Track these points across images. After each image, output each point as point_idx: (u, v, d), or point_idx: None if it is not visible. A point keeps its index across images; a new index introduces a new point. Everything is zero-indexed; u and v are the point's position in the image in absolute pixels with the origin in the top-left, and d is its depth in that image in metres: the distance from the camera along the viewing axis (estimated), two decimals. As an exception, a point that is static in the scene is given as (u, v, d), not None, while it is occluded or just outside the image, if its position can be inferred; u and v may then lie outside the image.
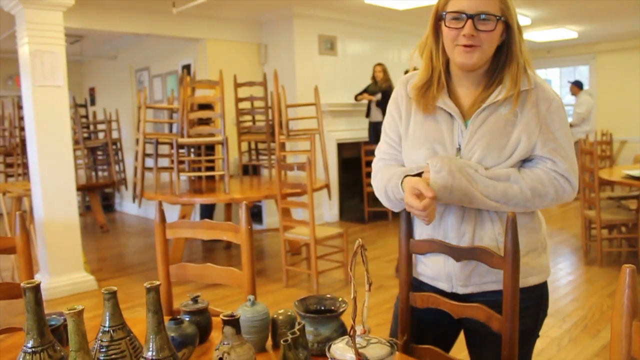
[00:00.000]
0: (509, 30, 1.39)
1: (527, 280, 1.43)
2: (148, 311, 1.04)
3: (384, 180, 1.48)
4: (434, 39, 1.44)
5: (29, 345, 1.04)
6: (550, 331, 3.27)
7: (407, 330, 1.51)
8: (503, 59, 1.41)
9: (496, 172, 1.37)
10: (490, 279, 1.42)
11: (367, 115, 6.73)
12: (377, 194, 1.54)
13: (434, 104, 1.43)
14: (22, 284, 1.02)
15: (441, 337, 1.56)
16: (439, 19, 1.41)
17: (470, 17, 1.33)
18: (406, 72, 6.27)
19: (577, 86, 8.37)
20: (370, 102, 6.63)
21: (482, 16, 1.33)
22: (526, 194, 1.37)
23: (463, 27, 1.34)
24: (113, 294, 1.09)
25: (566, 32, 8.30)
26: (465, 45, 1.35)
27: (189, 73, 6.46)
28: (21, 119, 6.52)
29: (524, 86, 1.39)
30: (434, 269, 1.49)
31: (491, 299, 1.40)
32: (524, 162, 1.43)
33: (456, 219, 1.42)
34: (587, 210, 4.84)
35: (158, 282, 1.04)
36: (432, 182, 1.34)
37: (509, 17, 1.37)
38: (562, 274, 4.49)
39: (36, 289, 1.03)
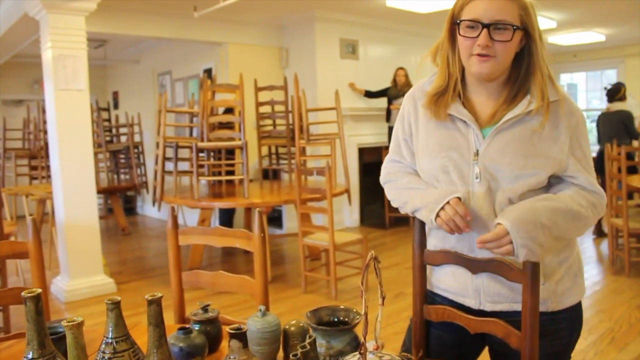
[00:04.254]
0: (529, 38, 1.30)
1: (562, 302, 1.36)
2: (149, 324, 1.01)
3: (405, 197, 1.46)
4: (450, 45, 1.37)
5: (29, 356, 1.01)
6: (575, 343, 3.17)
7: (422, 346, 1.45)
8: (524, 68, 1.33)
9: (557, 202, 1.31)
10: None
11: (387, 119, 6.68)
12: (392, 202, 1.53)
13: (446, 111, 1.37)
14: (22, 294, 0.99)
15: (463, 357, 1.49)
16: (454, 24, 1.34)
17: (486, 26, 1.26)
18: None
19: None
20: (390, 105, 6.59)
21: (499, 25, 1.25)
22: (582, 219, 1.32)
23: (478, 36, 1.27)
24: (116, 305, 1.06)
25: (593, 35, 8.12)
26: (480, 55, 1.28)
27: (210, 77, 6.47)
28: (45, 122, 6.60)
29: (552, 96, 1.31)
30: (459, 283, 1.41)
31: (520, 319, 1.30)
32: (553, 179, 1.36)
33: (487, 229, 1.33)
34: (614, 218, 4.71)
35: (160, 295, 1.01)
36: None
37: (529, 24, 1.28)
38: (587, 283, 4.34)
39: (37, 298, 1.00)
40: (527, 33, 1.30)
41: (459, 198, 1.31)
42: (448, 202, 1.31)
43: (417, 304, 1.47)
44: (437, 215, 1.33)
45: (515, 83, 1.34)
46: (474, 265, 1.33)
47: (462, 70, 1.39)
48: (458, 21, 1.31)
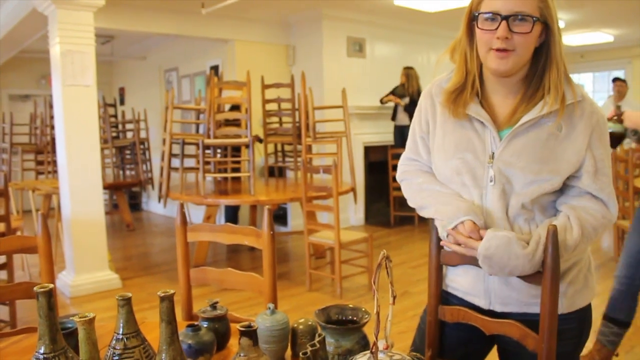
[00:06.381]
0: (549, 31, 1.28)
1: (573, 304, 1.36)
2: (161, 321, 1.00)
3: (419, 201, 1.45)
4: (468, 41, 1.35)
5: (41, 351, 1.01)
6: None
7: (434, 345, 1.45)
8: (542, 64, 1.30)
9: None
10: (535, 300, 1.32)
11: (393, 118, 6.66)
12: (408, 202, 1.50)
13: (464, 111, 1.35)
14: (34, 289, 0.99)
15: (471, 355, 1.49)
16: (472, 19, 1.32)
17: (505, 18, 1.23)
18: None
19: (627, 85, 7.20)
20: (397, 105, 6.57)
21: (519, 17, 1.23)
22: (580, 245, 1.30)
23: (497, 28, 1.24)
24: (127, 301, 1.06)
25: (601, 36, 8.08)
26: (499, 50, 1.25)
27: (216, 74, 6.48)
28: (52, 117, 6.62)
29: (569, 99, 1.29)
30: (470, 284, 1.41)
31: (532, 320, 1.31)
32: (567, 183, 1.34)
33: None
34: (621, 219, 4.69)
35: (172, 292, 1.01)
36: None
37: (548, 17, 1.26)
38: (593, 285, 4.34)
39: (49, 294, 1.00)
40: (546, 27, 1.28)
41: (473, 222, 1.29)
42: (462, 223, 1.30)
43: (432, 304, 1.46)
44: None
45: (532, 80, 1.32)
46: None
47: (480, 67, 1.37)
48: (476, 14, 1.29)
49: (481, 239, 1.27)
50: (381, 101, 6.66)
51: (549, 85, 1.29)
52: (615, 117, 2.61)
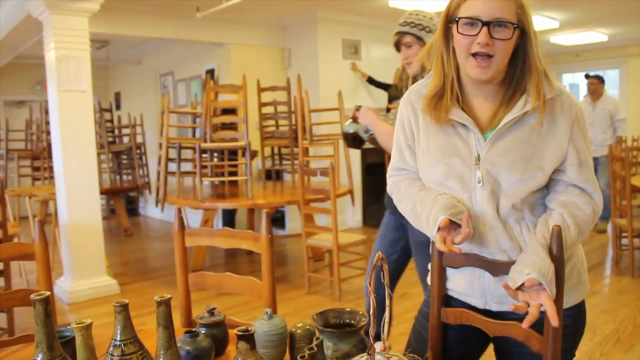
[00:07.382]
0: (525, 36, 1.28)
1: (567, 301, 1.35)
2: (158, 325, 1.00)
3: (414, 205, 1.41)
4: (444, 44, 1.34)
5: (39, 359, 1.01)
6: (580, 345, 3.15)
7: (437, 348, 1.44)
8: (520, 67, 1.31)
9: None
10: None
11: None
12: (406, 215, 1.47)
13: (447, 116, 1.34)
14: (31, 296, 0.99)
15: (468, 354, 1.49)
16: (449, 22, 1.31)
17: (486, 23, 1.23)
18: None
19: (602, 83, 6.72)
20: (388, 104, 6.57)
21: (499, 23, 1.24)
22: (577, 242, 1.32)
23: (477, 34, 1.24)
24: (124, 307, 1.06)
25: (596, 35, 8.10)
26: (477, 56, 1.25)
27: (212, 77, 6.47)
28: (48, 123, 6.61)
29: (548, 94, 1.30)
30: (466, 283, 1.41)
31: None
32: (552, 178, 1.34)
33: (494, 234, 1.33)
34: (618, 218, 4.70)
35: (169, 296, 1.00)
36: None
37: (525, 22, 1.27)
38: (590, 284, 4.34)
39: (46, 301, 1.00)
40: (522, 31, 1.28)
41: (449, 220, 1.27)
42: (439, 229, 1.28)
43: (435, 306, 1.45)
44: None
45: (511, 83, 1.33)
46: (494, 267, 1.31)
47: (457, 70, 1.36)
48: (456, 18, 1.28)
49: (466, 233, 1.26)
50: (370, 81, 6.63)
51: (530, 88, 1.29)
52: (352, 119, 2.57)
